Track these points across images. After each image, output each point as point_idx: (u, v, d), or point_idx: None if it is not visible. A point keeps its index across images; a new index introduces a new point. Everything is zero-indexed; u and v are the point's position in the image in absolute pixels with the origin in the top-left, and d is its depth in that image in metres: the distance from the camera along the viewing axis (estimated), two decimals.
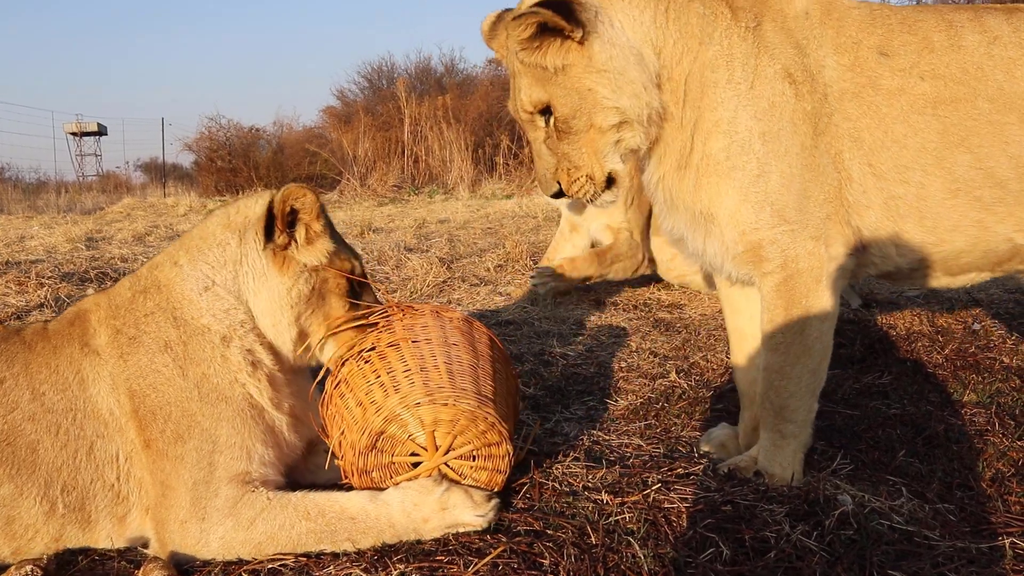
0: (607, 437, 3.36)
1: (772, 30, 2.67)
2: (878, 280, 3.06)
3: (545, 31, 2.61)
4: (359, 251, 8.15)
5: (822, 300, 2.70)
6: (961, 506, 2.71)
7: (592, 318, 5.77)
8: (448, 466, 2.62)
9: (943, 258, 2.77)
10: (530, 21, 2.59)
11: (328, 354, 2.75)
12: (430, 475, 2.59)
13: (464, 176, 20.26)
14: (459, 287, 6.94)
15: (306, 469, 2.87)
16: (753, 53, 2.65)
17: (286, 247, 2.64)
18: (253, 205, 2.69)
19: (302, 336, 2.70)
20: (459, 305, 6.27)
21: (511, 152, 20.57)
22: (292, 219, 2.64)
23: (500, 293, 6.61)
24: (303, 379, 2.86)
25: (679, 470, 2.95)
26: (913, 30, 2.70)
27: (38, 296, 6.22)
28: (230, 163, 25.73)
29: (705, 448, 3.16)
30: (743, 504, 2.59)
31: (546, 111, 2.75)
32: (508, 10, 2.96)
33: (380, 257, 8.13)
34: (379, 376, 2.64)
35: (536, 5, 2.59)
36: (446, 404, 2.53)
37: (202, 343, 2.55)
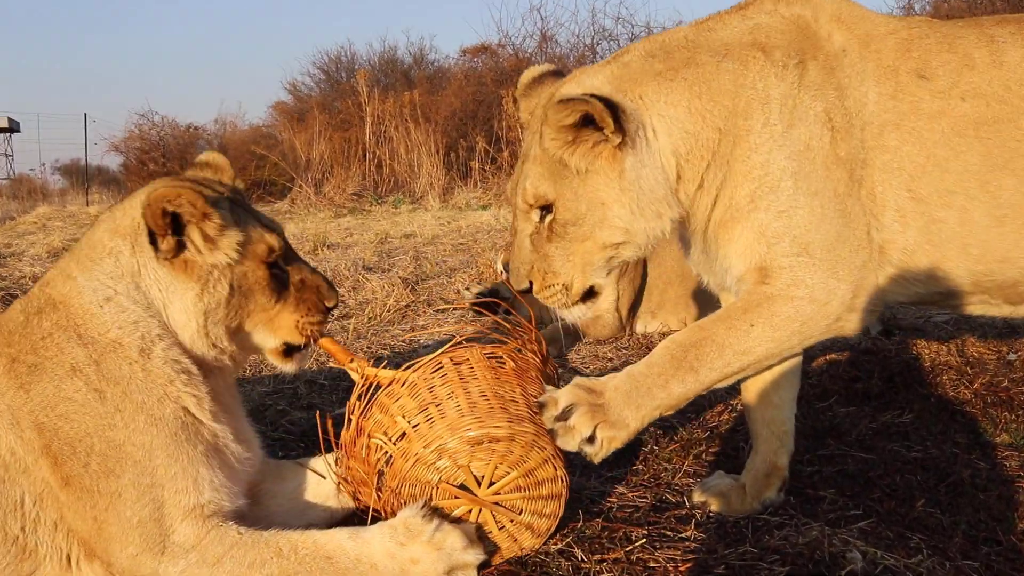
0: (587, 484, 3.39)
1: (815, 69, 2.82)
2: (913, 305, 3.13)
3: (585, 125, 2.76)
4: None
5: (804, 334, 2.78)
6: (987, 563, 2.74)
7: (574, 347, 5.80)
8: (493, 516, 2.73)
9: (997, 286, 2.88)
10: (577, 108, 2.73)
11: (270, 344, 2.84)
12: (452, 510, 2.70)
13: (434, 183, 20.28)
14: (424, 312, 6.95)
15: (263, 493, 2.94)
16: (792, 93, 2.79)
17: (178, 253, 2.63)
18: (137, 207, 2.67)
19: (236, 337, 2.76)
20: (423, 333, 6.28)
21: (488, 156, 20.63)
22: (180, 221, 2.63)
23: (471, 319, 6.63)
24: (234, 388, 2.95)
25: (668, 523, 2.97)
26: (953, 48, 2.86)
27: None
28: (164, 166, 25.60)
29: (699, 498, 3.19)
30: (739, 564, 2.62)
31: (546, 208, 2.89)
32: (554, 73, 3.20)
33: (335, 277, 8.14)
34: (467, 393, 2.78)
35: (588, 94, 2.74)
36: (542, 448, 2.70)
37: (116, 360, 2.55)
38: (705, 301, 5.77)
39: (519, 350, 2.97)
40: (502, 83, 22.37)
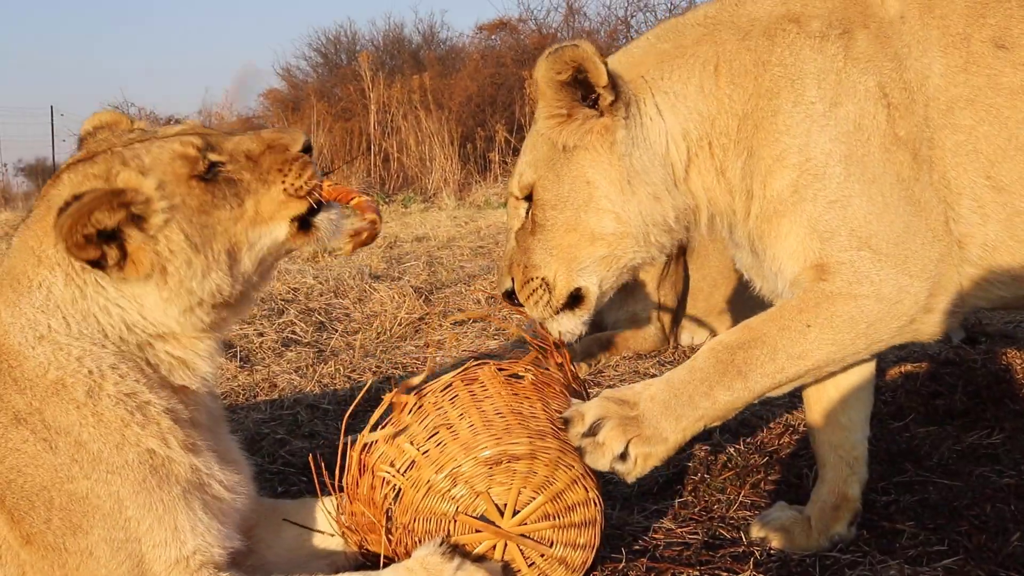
0: (629, 519, 3.39)
1: (865, 39, 2.82)
2: (996, 310, 3.10)
3: (579, 99, 2.85)
4: (310, 279, 8.20)
5: (871, 337, 2.75)
6: None
7: (612, 360, 5.80)
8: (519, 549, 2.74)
9: None
10: (567, 57, 2.80)
11: (280, 233, 2.70)
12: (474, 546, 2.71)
13: (449, 179, 20.31)
14: (440, 326, 6.97)
15: (258, 540, 2.94)
16: (834, 67, 2.79)
17: (126, 255, 2.52)
18: (52, 228, 2.53)
19: (237, 265, 2.64)
20: (440, 349, 6.30)
21: (509, 146, 20.65)
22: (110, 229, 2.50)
23: (493, 333, 6.64)
24: (214, 402, 2.91)
25: (723, 563, 2.96)
26: None
27: None
28: None
29: (759, 533, 3.18)
30: None
31: (530, 197, 2.97)
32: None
33: (338, 288, 8.15)
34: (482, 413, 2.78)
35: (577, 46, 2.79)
36: (571, 467, 2.71)
37: (61, 405, 2.50)
38: (760, 305, 5.75)
39: (539, 363, 2.97)
40: (524, 63, 22.39)
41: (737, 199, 2.91)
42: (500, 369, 2.88)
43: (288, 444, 4.36)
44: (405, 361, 6.01)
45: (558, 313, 3.02)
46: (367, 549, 2.88)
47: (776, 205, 2.81)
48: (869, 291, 2.69)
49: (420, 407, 2.79)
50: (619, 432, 2.69)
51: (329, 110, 23.20)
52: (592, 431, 2.69)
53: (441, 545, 2.60)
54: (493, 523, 2.68)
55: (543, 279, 2.96)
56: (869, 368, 3.23)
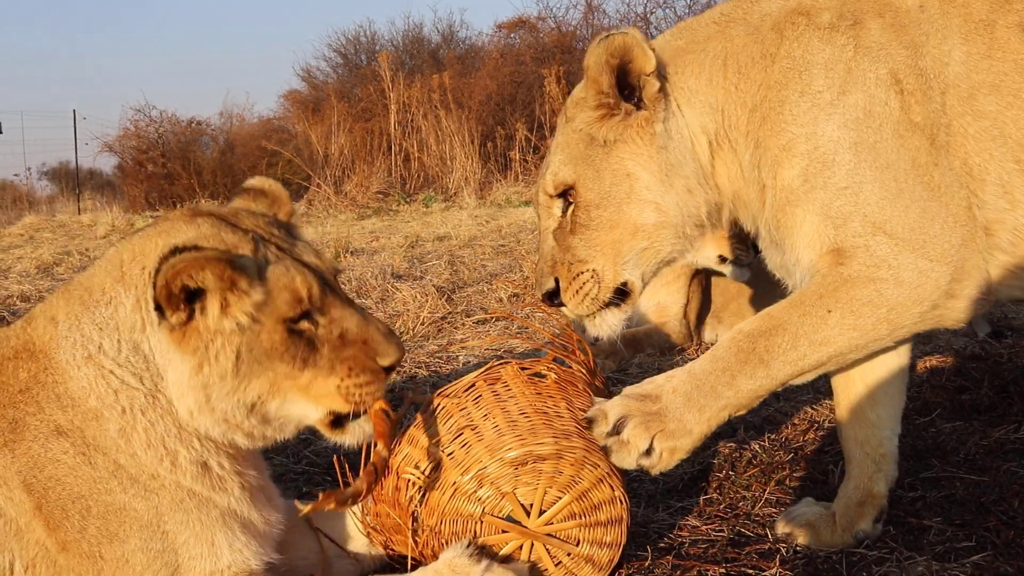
0: (654, 516, 3.40)
1: (878, 28, 2.82)
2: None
3: (621, 92, 2.91)
4: None
5: (893, 322, 2.74)
6: None
7: (637, 358, 5.80)
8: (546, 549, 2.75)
9: None
10: (618, 43, 2.84)
11: (312, 415, 2.62)
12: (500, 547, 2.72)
13: (469, 178, 20.36)
14: (463, 324, 6.98)
15: (287, 544, 2.93)
16: (843, 57, 2.80)
17: (187, 322, 2.47)
18: (151, 254, 2.52)
19: (257, 412, 2.57)
20: (463, 347, 6.31)
21: (529, 145, 20.67)
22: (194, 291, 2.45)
23: (516, 332, 6.64)
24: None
25: (749, 560, 2.96)
26: None
27: None
28: (164, 167, 26.05)
29: (784, 530, 3.18)
30: None
31: (567, 197, 3.00)
32: None
33: (360, 287, 8.19)
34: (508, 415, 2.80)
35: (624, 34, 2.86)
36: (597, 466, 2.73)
37: (100, 431, 2.51)
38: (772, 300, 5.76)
39: (562, 361, 2.99)
40: (543, 61, 22.43)
41: (753, 190, 2.93)
42: (523, 368, 2.90)
43: (312, 444, 4.38)
44: (428, 360, 6.02)
45: (602, 309, 3.04)
46: (393, 549, 2.90)
47: (788, 195, 2.83)
48: (888, 275, 2.69)
49: (443, 408, 2.81)
50: (642, 430, 2.70)
51: (349, 110, 23.29)
52: (616, 430, 2.70)
53: (468, 547, 2.61)
54: (519, 523, 2.69)
55: (593, 270, 2.98)
56: (900, 364, 3.22)
